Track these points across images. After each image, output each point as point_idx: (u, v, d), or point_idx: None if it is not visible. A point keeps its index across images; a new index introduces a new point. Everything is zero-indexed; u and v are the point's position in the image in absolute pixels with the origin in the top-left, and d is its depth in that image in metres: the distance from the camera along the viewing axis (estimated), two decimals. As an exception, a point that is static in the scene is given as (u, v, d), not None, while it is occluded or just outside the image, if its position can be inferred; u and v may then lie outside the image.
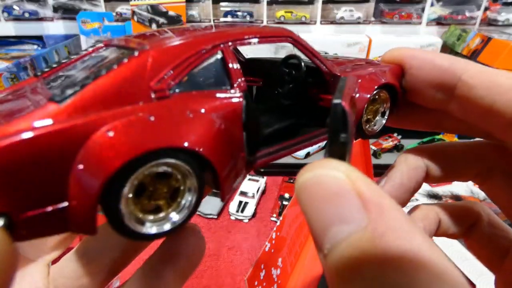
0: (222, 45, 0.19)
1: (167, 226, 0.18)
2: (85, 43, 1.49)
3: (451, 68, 0.24)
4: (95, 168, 0.15)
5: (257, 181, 1.07)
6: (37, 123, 0.14)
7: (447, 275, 0.12)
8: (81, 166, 0.15)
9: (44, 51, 1.41)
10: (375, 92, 0.28)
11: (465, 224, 0.32)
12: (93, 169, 0.15)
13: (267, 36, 0.22)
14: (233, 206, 0.98)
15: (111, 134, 0.15)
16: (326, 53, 1.44)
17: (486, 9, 1.48)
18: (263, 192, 1.08)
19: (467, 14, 1.49)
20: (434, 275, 0.11)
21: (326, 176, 0.15)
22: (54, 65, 0.22)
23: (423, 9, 1.51)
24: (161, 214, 0.18)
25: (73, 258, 0.27)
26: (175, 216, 0.18)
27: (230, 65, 0.19)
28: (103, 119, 0.15)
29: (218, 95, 0.19)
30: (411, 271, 0.12)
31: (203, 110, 0.18)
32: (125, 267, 0.27)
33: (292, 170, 1.12)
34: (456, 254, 0.80)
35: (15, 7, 1.53)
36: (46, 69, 0.22)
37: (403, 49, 0.30)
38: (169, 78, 0.18)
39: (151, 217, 0.18)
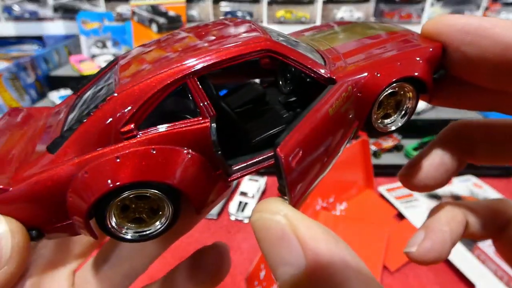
0: (186, 78, 0.21)
1: (147, 233, 0.22)
2: (85, 43, 1.49)
3: None
4: (78, 202, 0.20)
5: (257, 181, 1.07)
6: (39, 169, 0.20)
7: None
8: (70, 198, 0.20)
9: (44, 51, 1.41)
10: (386, 88, 0.24)
11: (495, 225, 0.29)
12: (77, 202, 0.20)
13: (238, 57, 0.21)
14: (233, 207, 0.98)
15: (86, 175, 0.20)
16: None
17: (486, 9, 1.48)
18: (263, 192, 1.08)
19: (467, 14, 1.49)
20: None
21: (270, 220, 0.17)
22: (85, 82, 0.26)
23: (423, 9, 1.51)
24: (143, 225, 0.22)
25: (93, 265, 0.29)
26: (155, 227, 0.22)
27: (195, 95, 0.21)
28: (82, 162, 0.20)
29: (183, 125, 0.21)
30: None
31: (167, 144, 0.20)
32: (142, 273, 0.30)
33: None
34: (456, 254, 0.80)
35: (15, 7, 1.53)
36: (80, 86, 0.26)
37: (448, 19, 0.23)
38: (135, 118, 0.20)
39: (134, 226, 0.22)
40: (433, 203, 0.98)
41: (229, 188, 0.26)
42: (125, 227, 0.22)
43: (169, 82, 0.20)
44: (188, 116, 0.21)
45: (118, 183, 0.19)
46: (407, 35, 0.28)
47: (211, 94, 0.23)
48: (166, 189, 0.20)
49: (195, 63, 0.21)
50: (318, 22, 1.54)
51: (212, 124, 0.21)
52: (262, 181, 1.09)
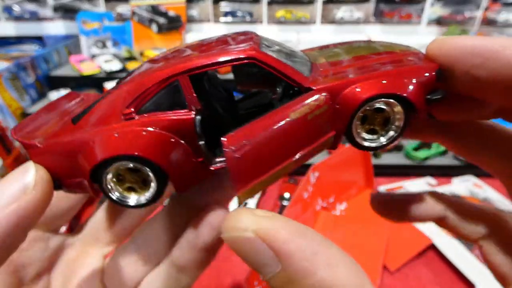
0: (177, 76, 0.25)
1: (142, 200, 0.26)
2: (85, 43, 1.49)
3: None
4: (84, 165, 0.25)
5: (257, 181, 1.07)
6: (63, 135, 0.26)
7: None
8: (80, 160, 0.25)
9: (44, 51, 1.41)
10: (365, 103, 0.25)
11: (479, 230, 0.29)
12: (83, 164, 0.24)
13: (224, 62, 0.25)
14: (233, 207, 0.98)
15: (92, 144, 0.25)
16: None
17: (486, 9, 1.48)
18: (263, 192, 1.08)
19: (467, 14, 1.49)
20: None
21: (241, 238, 0.19)
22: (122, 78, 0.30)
23: (423, 9, 1.51)
24: (136, 194, 0.26)
25: (122, 251, 0.34)
26: (147, 195, 0.26)
27: (185, 91, 0.25)
28: (92, 134, 0.25)
29: (172, 114, 0.25)
30: None
31: (155, 128, 0.25)
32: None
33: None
34: (456, 254, 0.80)
35: (15, 7, 1.53)
36: (118, 81, 0.30)
37: (455, 41, 0.22)
38: (134, 104, 0.25)
39: (133, 194, 0.26)
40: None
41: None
42: (116, 190, 0.26)
43: (163, 78, 0.25)
44: (179, 108, 0.25)
45: (111, 155, 0.24)
46: (407, 54, 0.28)
47: (205, 93, 0.27)
48: (148, 164, 0.24)
49: (185, 65, 0.25)
50: (318, 22, 1.54)
51: (197, 117, 0.25)
52: (262, 181, 1.09)
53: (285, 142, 0.24)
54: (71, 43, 1.57)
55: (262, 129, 0.23)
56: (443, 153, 1.15)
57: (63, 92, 1.29)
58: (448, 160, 1.14)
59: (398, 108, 0.25)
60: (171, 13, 1.48)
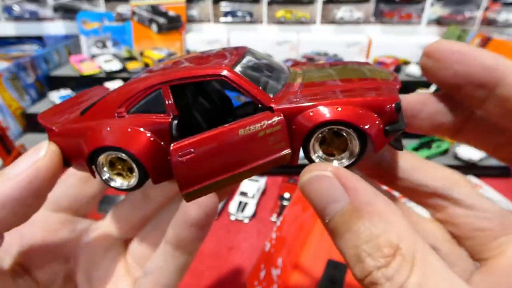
0: (160, 85, 0.29)
1: (125, 186, 0.30)
2: (85, 43, 1.49)
3: (495, 67, 0.24)
4: (83, 150, 0.29)
5: (257, 181, 1.07)
6: (73, 123, 0.31)
7: (391, 216, 0.22)
8: (82, 146, 0.29)
9: (44, 51, 1.41)
10: (316, 128, 0.26)
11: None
12: (83, 149, 0.29)
13: (196, 76, 0.28)
14: (233, 207, 0.98)
15: (89, 133, 0.29)
16: (334, 55, 1.44)
17: (486, 9, 1.48)
18: (263, 192, 1.08)
19: (467, 14, 1.49)
20: (386, 220, 0.22)
21: (321, 175, 0.24)
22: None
23: (423, 9, 1.51)
24: (123, 179, 0.31)
25: (143, 236, 0.38)
26: (132, 182, 0.30)
27: (165, 98, 0.29)
28: (91, 126, 0.30)
29: (153, 117, 0.29)
30: (375, 220, 0.21)
31: (140, 127, 0.29)
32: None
33: (292, 170, 1.12)
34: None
35: (15, 7, 1.54)
36: None
37: (444, 43, 0.27)
38: (125, 105, 0.29)
39: (119, 178, 0.31)
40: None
41: None
42: (107, 173, 0.31)
43: (148, 86, 0.29)
44: (160, 112, 0.29)
45: (101, 145, 0.28)
46: (384, 83, 0.29)
47: (188, 102, 0.32)
48: (130, 156, 0.28)
49: (166, 77, 0.29)
50: (318, 22, 1.54)
51: (174, 121, 0.28)
52: (262, 181, 1.09)
53: (232, 155, 0.26)
54: (71, 43, 1.58)
55: (210, 140, 0.26)
56: (443, 153, 1.15)
57: (63, 92, 1.29)
58: (448, 160, 1.14)
59: (354, 136, 0.27)
60: (171, 13, 1.48)
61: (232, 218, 0.97)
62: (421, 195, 0.31)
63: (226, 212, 0.99)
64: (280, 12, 1.52)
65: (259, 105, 0.27)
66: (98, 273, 0.35)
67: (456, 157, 1.13)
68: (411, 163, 0.31)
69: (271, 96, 0.28)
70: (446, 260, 0.29)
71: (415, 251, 0.20)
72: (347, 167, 0.27)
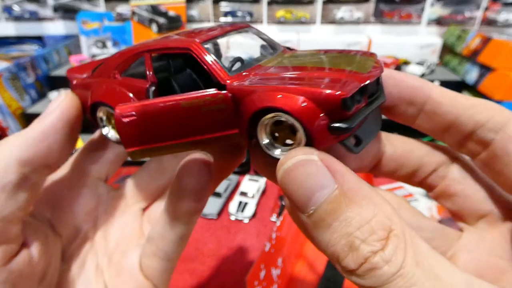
0: (143, 53, 0.31)
1: (110, 134, 0.35)
2: (85, 43, 1.49)
3: (421, 87, 0.28)
4: (87, 102, 0.34)
5: (257, 181, 1.07)
6: (86, 79, 0.36)
7: (378, 199, 0.21)
8: (86, 99, 0.34)
9: (44, 51, 1.41)
10: (256, 112, 0.25)
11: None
12: (87, 101, 0.34)
13: (170, 48, 0.30)
14: (233, 206, 0.98)
15: (91, 89, 0.34)
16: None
17: (486, 9, 1.48)
18: (263, 192, 1.08)
19: (467, 14, 1.49)
20: (374, 203, 0.21)
21: (308, 159, 0.22)
22: None
23: (423, 9, 1.51)
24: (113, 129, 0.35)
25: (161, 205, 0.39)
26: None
27: (146, 66, 0.31)
28: (94, 82, 0.34)
29: (136, 82, 0.31)
30: (364, 204, 0.21)
31: (125, 89, 0.32)
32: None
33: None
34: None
35: (15, 7, 1.53)
36: None
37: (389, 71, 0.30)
38: (118, 68, 0.33)
39: (111, 129, 0.35)
40: (432, 203, 0.98)
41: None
42: (104, 122, 0.35)
43: (135, 53, 0.32)
44: (142, 78, 0.31)
45: (97, 100, 0.33)
46: (349, 75, 0.25)
47: (169, 72, 0.34)
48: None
49: (147, 45, 0.31)
50: (318, 22, 1.54)
51: (151, 88, 0.30)
52: (262, 181, 1.09)
53: (173, 125, 0.27)
54: (71, 43, 1.57)
55: (151, 107, 0.27)
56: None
57: (63, 92, 1.29)
58: None
59: (299, 127, 0.24)
60: (171, 13, 1.48)
61: (232, 218, 0.97)
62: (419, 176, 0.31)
63: (226, 212, 0.99)
64: (280, 12, 1.52)
65: (216, 82, 0.27)
66: (114, 232, 0.38)
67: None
68: (406, 146, 0.32)
69: (231, 75, 0.27)
70: None
71: (404, 231, 0.20)
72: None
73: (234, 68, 0.28)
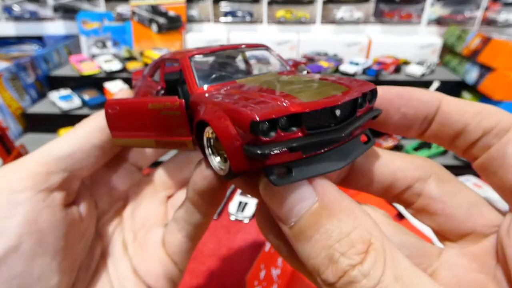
0: (160, 62, 0.35)
1: None
2: (85, 43, 1.49)
3: (432, 100, 0.28)
4: None
5: (257, 181, 1.07)
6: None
7: (358, 212, 0.22)
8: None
9: (44, 51, 1.41)
10: (197, 125, 0.26)
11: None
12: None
13: (173, 59, 0.34)
14: (233, 206, 0.98)
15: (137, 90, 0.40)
16: (334, 55, 1.44)
17: (486, 9, 1.48)
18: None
19: (467, 14, 1.49)
20: (354, 217, 0.21)
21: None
22: None
23: (423, 9, 1.51)
24: None
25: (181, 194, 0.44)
26: None
27: (160, 73, 0.34)
28: (139, 83, 0.40)
29: (153, 85, 0.35)
30: (344, 217, 0.21)
31: (147, 89, 0.36)
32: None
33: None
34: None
35: (15, 7, 1.54)
36: None
37: (383, 89, 0.29)
38: (149, 73, 0.37)
39: None
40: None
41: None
42: None
43: (157, 61, 0.36)
44: (157, 83, 0.35)
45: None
46: (286, 98, 0.23)
47: (176, 80, 0.36)
48: None
49: (162, 57, 0.36)
50: (318, 22, 1.54)
51: (160, 91, 0.33)
52: (262, 181, 1.09)
53: (142, 123, 0.30)
54: (71, 43, 1.58)
55: (128, 105, 0.30)
56: (443, 153, 1.15)
57: (63, 92, 1.29)
58: (448, 160, 1.14)
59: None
60: (171, 13, 1.48)
61: (232, 218, 0.97)
62: (396, 190, 0.30)
63: (226, 212, 0.99)
64: (280, 12, 1.52)
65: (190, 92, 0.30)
66: (141, 212, 0.42)
67: (455, 157, 1.14)
68: (379, 160, 0.30)
69: (203, 87, 0.29)
70: None
71: (384, 246, 0.20)
72: (228, 172, 0.25)
73: (207, 82, 0.30)
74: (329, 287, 0.20)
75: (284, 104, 0.21)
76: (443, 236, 0.29)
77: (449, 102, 0.27)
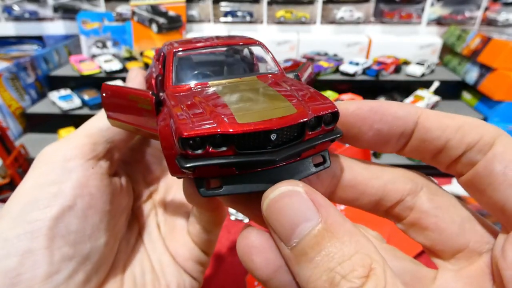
0: (161, 51, 0.35)
1: None
2: (85, 43, 1.49)
3: (409, 115, 0.26)
4: None
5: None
6: None
7: (359, 237, 0.21)
8: None
9: (44, 51, 1.41)
10: None
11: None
12: None
13: (161, 51, 0.35)
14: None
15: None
16: (334, 55, 1.44)
17: (486, 9, 1.48)
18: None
19: (467, 14, 1.49)
20: (356, 240, 0.21)
21: (293, 191, 0.22)
22: None
23: (423, 9, 1.51)
24: None
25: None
26: None
27: (161, 59, 0.34)
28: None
29: (155, 72, 0.35)
30: (346, 240, 0.21)
31: (154, 74, 0.36)
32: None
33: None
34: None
35: (15, 7, 1.54)
36: None
37: (352, 103, 0.28)
38: (155, 57, 0.37)
39: None
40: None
41: None
42: None
43: (163, 46, 0.36)
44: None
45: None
46: (211, 113, 0.25)
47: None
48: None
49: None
50: (318, 22, 1.54)
51: (158, 77, 0.33)
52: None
53: (125, 109, 0.30)
54: (71, 43, 1.58)
55: (116, 92, 0.30)
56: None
57: (63, 92, 1.29)
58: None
59: None
60: (171, 13, 1.48)
61: (232, 218, 0.97)
62: (385, 204, 0.29)
63: (226, 212, 0.99)
64: (280, 12, 1.53)
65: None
66: (170, 197, 0.45)
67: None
68: (367, 172, 0.29)
69: (176, 85, 0.30)
70: None
71: (385, 271, 0.20)
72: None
73: (180, 81, 0.31)
74: None
75: (217, 123, 0.22)
76: (434, 253, 0.28)
77: (428, 117, 0.26)
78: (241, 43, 0.36)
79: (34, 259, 0.27)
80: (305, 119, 0.23)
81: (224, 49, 0.36)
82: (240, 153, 0.23)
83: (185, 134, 0.21)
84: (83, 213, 0.31)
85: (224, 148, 0.22)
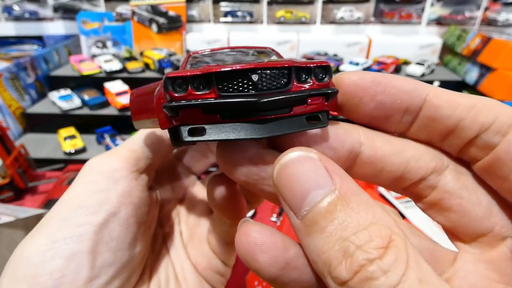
0: (188, 56, 0.34)
1: None
2: (85, 43, 1.49)
3: (416, 90, 0.25)
4: None
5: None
6: None
7: (377, 208, 0.20)
8: None
9: (44, 51, 1.42)
10: None
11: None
12: None
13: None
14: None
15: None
16: (334, 55, 1.45)
17: (486, 9, 1.48)
18: (263, 192, 1.08)
19: (467, 14, 1.49)
20: (373, 211, 0.19)
21: (306, 156, 0.21)
22: None
23: (423, 9, 1.51)
24: None
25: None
26: None
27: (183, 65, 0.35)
28: None
29: None
30: (362, 210, 0.19)
31: None
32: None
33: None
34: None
35: (15, 7, 1.54)
36: None
37: (357, 73, 0.26)
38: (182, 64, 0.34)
39: None
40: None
41: None
42: None
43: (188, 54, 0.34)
44: None
45: None
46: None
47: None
48: None
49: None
50: (318, 22, 1.54)
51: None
52: (262, 181, 1.09)
53: (145, 103, 0.30)
54: (71, 43, 1.58)
55: (140, 90, 0.31)
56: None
57: (63, 92, 1.29)
58: None
59: None
60: (171, 13, 1.48)
61: (232, 218, 0.97)
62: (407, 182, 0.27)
63: (226, 212, 0.99)
64: (280, 12, 1.53)
65: None
66: (194, 211, 0.45)
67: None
68: (390, 147, 0.27)
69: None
70: None
71: (407, 244, 0.18)
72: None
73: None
74: (342, 286, 0.18)
75: (202, 69, 0.23)
76: (455, 235, 0.26)
77: (438, 94, 0.24)
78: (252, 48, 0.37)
79: (78, 262, 0.28)
80: (288, 65, 0.23)
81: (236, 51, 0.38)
82: (221, 95, 0.23)
83: (170, 75, 0.22)
84: (126, 221, 0.32)
85: (206, 91, 0.23)
